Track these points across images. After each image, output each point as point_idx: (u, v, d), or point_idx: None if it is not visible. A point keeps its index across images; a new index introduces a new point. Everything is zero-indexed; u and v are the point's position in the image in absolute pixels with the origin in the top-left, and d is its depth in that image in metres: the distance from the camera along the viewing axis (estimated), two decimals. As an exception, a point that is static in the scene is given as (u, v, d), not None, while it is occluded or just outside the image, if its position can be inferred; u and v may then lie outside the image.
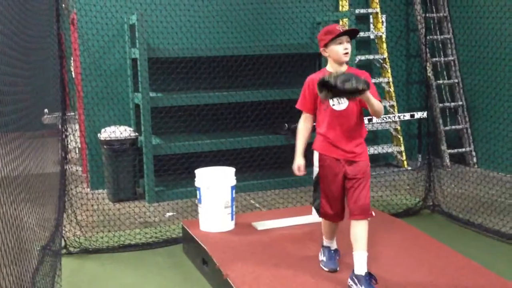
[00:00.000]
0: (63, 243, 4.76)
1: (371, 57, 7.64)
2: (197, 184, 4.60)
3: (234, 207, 4.63)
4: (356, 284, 3.38)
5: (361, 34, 7.39)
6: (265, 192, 6.42)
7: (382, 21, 7.69)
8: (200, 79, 6.98)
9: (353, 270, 3.44)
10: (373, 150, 7.43)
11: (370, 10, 7.64)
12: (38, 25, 4.64)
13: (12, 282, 2.60)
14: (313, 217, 4.69)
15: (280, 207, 5.75)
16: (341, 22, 7.34)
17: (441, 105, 7.63)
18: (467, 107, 7.60)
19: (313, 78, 3.54)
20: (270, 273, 3.70)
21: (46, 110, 5.74)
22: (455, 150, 7.57)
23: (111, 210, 5.68)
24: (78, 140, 6.83)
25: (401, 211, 5.52)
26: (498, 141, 6.48)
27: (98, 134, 6.45)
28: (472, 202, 5.58)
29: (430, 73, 7.37)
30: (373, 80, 7.08)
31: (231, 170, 4.67)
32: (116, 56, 6.69)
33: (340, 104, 3.46)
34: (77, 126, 6.90)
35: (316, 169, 3.58)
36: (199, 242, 4.26)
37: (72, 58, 7.39)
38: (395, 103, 7.66)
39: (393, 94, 7.66)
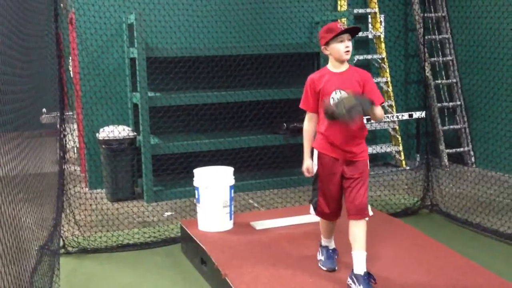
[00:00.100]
0: (61, 243, 4.76)
1: (369, 57, 7.64)
2: (195, 183, 4.60)
3: (232, 206, 4.63)
4: (355, 283, 3.38)
5: (360, 34, 7.37)
6: (264, 192, 6.43)
7: (381, 21, 7.70)
8: (198, 78, 6.97)
9: (352, 269, 3.44)
10: (371, 149, 7.44)
11: (368, 10, 7.65)
12: (36, 24, 4.63)
13: (11, 282, 2.60)
14: (312, 217, 4.70)
15: (279, 207, 5.76)
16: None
17: (439, 105, 7.64)
18: (465, 107, 7.60)
19: (314, 77, 3.53)
20: (268, 273, 3.70)
21: (44, 110, 5.73)
22: (453, 150, 7.58)
23: (109, 210, 5.67)
24: (77, 140, 6.84)
25: (399, 210, 5.53)
26: (496, 141, 6.49)
27: (97, 134, 6.45)
28: (470, 202, 5.58)
29: (428, 73, 7.38)
30: (372, 80, 7.07)
31: (230, 170, 4.67)
32: (115, 56, 6.68)
33: None
34: (75, 126, 6.90)
35: (315, 167, 3.58)
36: (198, 242, 4.26)
37: (70, 58, 7.38)
38: (393, 103, 7.66)
39: (392, 94, 7.67)
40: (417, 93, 7.78)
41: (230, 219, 4.61)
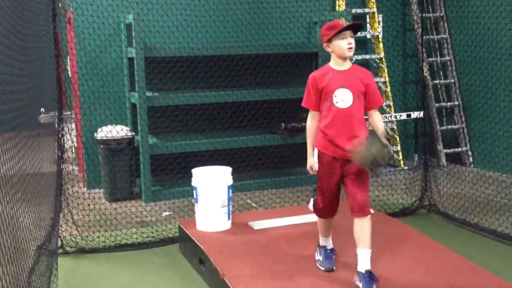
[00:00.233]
0: (59, 243, 4.75)
1: (367, 56, 7.65)
2: (193, 183, 4.60)
3: (230, 206, 4.63)
4: (357, 280, 3.41)
5: (358, 33, 7.39)
6: (262, 192, 6.43)
7: (379, 20, 7.70)
8: (196, 78, 6.97)
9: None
10: (369, 149, 7.43)
11: (366, 10, 7.65)
12: (34, 24, 4.63)
13: (9, 282, 2.59)
14: (310, 217, 4.70)
15: (277, 207, 5.76)
16: (337, 22, 7.35)
17: (437, 105, 7.65)
18: (463, 107, 7.61)
19: (316, 75, 3.50)
20: (266, 273, 3.70)
21: (42, 109, 5.72)
22: (451, 150, 7.58)
23: (107, 210, 5.67)
24: (75, 140, 6.82)
25: (397, 210, 5.53)
26: (494, 141, 6.49)
27: (95, 134, 6.45)
28: (468, 202, 5.59)
29: (426, 73, 7.38)
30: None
31: (228, 170, 4.67)
32: (113, 55, 6.68)
33: (343, 101, 3.42)
34: (73, 125, 6.89)
35: (316, 165, 3.57)
36: (196, 242, 4.26)
37: (68, 57, 7.37)
38: (391, 103, 7.67)
39: (390, 94, 7.67)
40: (415, 93, 7.79)
41: (228, 219, 4.60)
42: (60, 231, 4.84)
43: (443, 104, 7.66)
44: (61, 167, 4.88)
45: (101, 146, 6.34)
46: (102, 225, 5.30)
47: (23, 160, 3.49)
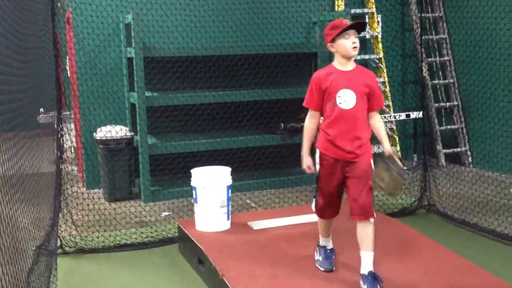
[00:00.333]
0: (58, 243, 4.75)
1: (366, 57, 7.65)
2: (193, 183, 4.60)
3: (230, 206, 4.63)
4: (361, 283, 3.41)
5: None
6: (261, 192, 6.42)
7: (378, 21, 7.70)
8: (196, 78, 6.97)
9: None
10: (368, 149, 7.43)
11: (365, 10, 7.65)
12: (34, 24, 4.63)
13: (8, 282, 2.59)
14: (309, 217, 4.70)
15: (276, 207, 5.76)
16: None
17: (436, 105, 7.65)
18: (463, 107, 7.62)
19: (320, 75, 3.47)
20: (266, 273, 3.70)
21: (41, 109, 5.72)
22: (451, 150, 7.59)
23: (106, 210, 5.66)
24: (74, 140, 6.81)
25: (396, 210, 5.53)
26: (493, 141, 6.50)
27: (94, 134, 6.44)
28: (468, 202, 5.59)
29: (425, 73, 7.39)
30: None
31: (227, 170, 4.67)
32: (112, 55, 6.67)
33: (347, 102, 3.39)
34: (72, 126, 6.88)
35: (317, 166, 3.55)
36: (195, 242, 4.25)
37: (67, 57, 7.37)
38: (390, 103, 7.67)
39: (389, 94, 7.67)
40: (414, 93, 7.79)
41: (228, 219, 4.60)
42: (59, 231, 4.84)
43: (442, 104, 7.66)
44: (60, 167, 4.87)
45: (100, 146, 6.33)
46: (101, 225, 5.29)
47: (22, 160, 3.49)
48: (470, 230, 5.03)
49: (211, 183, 4.52)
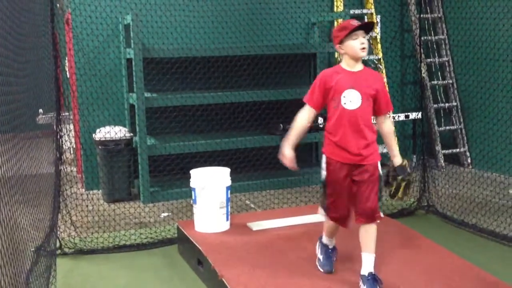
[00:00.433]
0: (58, 244, 4.74)
1: (365, 57, 7.64)
2: (192, 184, 4.59)
3: (229, 207, 4.63)
4: (361, 284, 3.41)
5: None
6: (260, 193, 6.42)
7: (377, 21, 7.71)
8: (195, 79, 6.97)
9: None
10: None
11: (364, 11, 7.65)
12: (33, 25, 4.62)
13: (7, 283, 2.59)
14: (308, 218, 4.70)
15: (275, 208, 5.76)
16: (336, 23, 7.36)
17: (435, 105, 7.66)
18: (462, 107, 7.62)
19: (327, 73, 3.45)
20: (265, 274, 3.70)
21: (40, 110, 5.72)
22: (450, 151, 7.59)
23: (106, 211, 5.66)
24: (73, 141, 6.81)
25: (395, 211, 5.53)
26: (492, 142, 6.50)
27: (93, 135, 6.44)
28: (467, 203, 5.59)
29: (424, 73, 7.39)
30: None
31: (226, 171, 4.67)
32: (111, 56, 6.67)
33: (352, 103, 3.35)
34: (71, 126, 6.87)
35: (323, 172, 3.47)
36: (194, 243, 4.25)
37: (66, 58, 7.37)
38: (389, 104, 7.66)
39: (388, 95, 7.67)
40: (413, 94, 7.78)
41: (227, 220, 4.60)
42: (58, 232, 4.83)
43: (441, 105, 7.67)
44: (60, 168, 4.87)
45: (100, 147, 6.33)
46: (100, 226, 5.29)
47: (21, 162, 3.48)
48: (469, 231, 5.03)
49: (210, 184, 4.52)
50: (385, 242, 4.18)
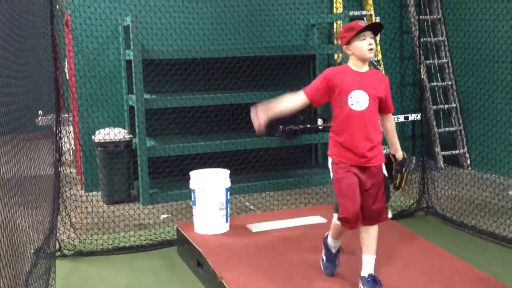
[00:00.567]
0: (57, 246, 4.74)
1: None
2: (191, 186, 4.59)
3: (228, 209, 4.63)
4: (361, 285, 3.40)
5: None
6: (260, 194, 6.42)
7: (376, 23, 7.70)
8: (194, 80, 6.97)
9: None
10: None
11: (364, 12, 7.66)
12: (32, 26, 4.63)
13: (7, 285, 2.59)
14: (308, 219, 4.71)
15: (275, 209, 5.75)
16: (335, 24, 7.37)
17: (434, 107, 7.66)
18: (461, 109, 7.62)
19: (333, 70, 3.41)
20: (264, 275, 3.70)
21: (40, 112, 5.72)
22: (449, 152, 7.59)
23: (105, 212, 5.66)
24: (72, 142, 6.81)
25: (395, 213, 5.52)
26: (492, 143, 6.50)
27: (93, 136, 6.44)
28: (466, 204, 5.59)
29: (423, 75, 7.39)
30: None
31: (226, 172, 4.66)
32: (111, 58, 6.67)
33: (359, 104, 3.32)
34: (71, 128, 6.87)
35: (331, 173, 3.43)
36: (194, 244, 4.25)
37: (66, 60, 7.37)
38: (389, 105, 7.66)
39: (387, 96, 7.67)
40: (412, 95, 7.78)
41: (226, 221, 4.60)
42: (58, 234, 4.83)
43: (440, 106, 7.67)
44: (59, 169, 4.87)
45: (99, 148, 6.33)
46: (100, 228, 5.29)
47: (21, 163, 3.48)
48: (468, 232, 5.03)
49: (210, 186, 4.52)
50: (384, 244, 4.18)
